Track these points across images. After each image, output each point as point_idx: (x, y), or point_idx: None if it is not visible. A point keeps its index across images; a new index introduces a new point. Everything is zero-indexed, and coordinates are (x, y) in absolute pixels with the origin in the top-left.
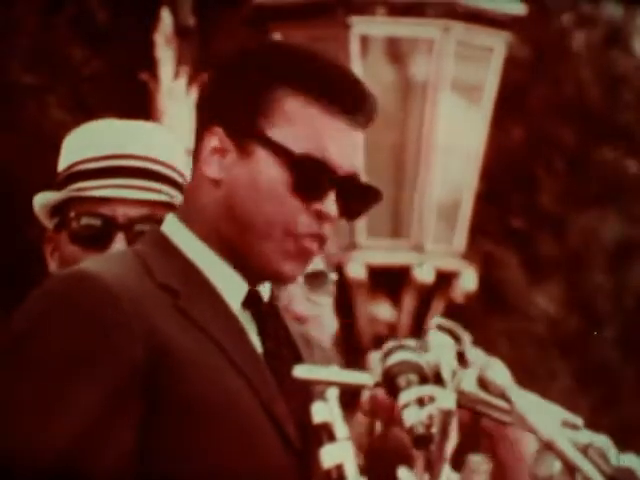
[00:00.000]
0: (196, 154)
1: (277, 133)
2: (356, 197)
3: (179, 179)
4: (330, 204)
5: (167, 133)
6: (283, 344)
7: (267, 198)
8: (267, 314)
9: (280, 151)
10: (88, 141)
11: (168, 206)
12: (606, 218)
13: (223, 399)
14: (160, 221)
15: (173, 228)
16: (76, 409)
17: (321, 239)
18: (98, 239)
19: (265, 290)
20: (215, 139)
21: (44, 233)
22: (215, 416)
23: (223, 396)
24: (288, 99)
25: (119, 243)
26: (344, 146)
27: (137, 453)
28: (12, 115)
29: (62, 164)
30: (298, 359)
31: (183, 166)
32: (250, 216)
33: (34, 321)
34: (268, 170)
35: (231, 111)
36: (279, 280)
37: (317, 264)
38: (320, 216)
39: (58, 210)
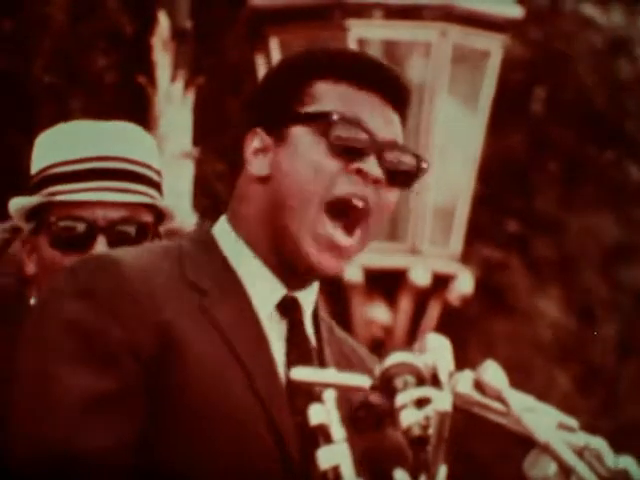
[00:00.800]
0: (242, 159)
1: (309, 108)
2: (400, 164)
3: (156, 178)
4: (372, 164)
5: (139, 131)
6: (310, 356)
7: (305, 166)
8: (300, 324)
9: (314, 118)
10: (61, 143)
11: (149, 207)
12: (605, 221)
13: (224, 403)
14: (141, 223)
15: (221, 229)
16: (77, 392)
17: (364, 201)
18: (79, 242)
19: (307, 300)
20: (257, 140)
21: (20, 235)
22: (214, 418)
23: (225, 400)
24: (317, 84)
25: (100, 246)
26: (378, 116)
27: (137, 442)
28: (29, 114)
29: (35, 166)
30: None
31: (158, 163)
32: (289, 191)
33: (53, 297)
34: (304, 141)
35: (267, 110)
36: (316, 272)
37: None
38: (361, 174)
39: (34, 213)
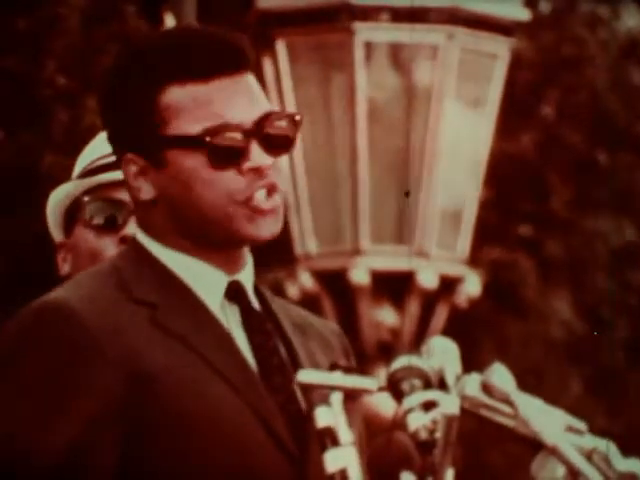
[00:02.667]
0: (126, 184)
1: (174, 127)
2: (279, 130)
3: None
4: (258, 155)
5: None
6: (271, 335)
7: (201, 187)
8: (251, 306)
9: (184, 141)
10: (97, 143)
11: None
12: (616, 223)
13: (209, 410)
14: None
15: (145, 238)
16: (49, 444)
17: (269, 187)
18: (112, 223)
19: (248, 280)
20: (132, 165)
21: (56, 246)
22: (203, 428)
23: (208, 407)
24: (166, 93)
25: (132, 226)
26: (237, 99)
27: (120, 474)
28: (43, 115)
29: (77, 170)
30: (289, 349)
31: None
32: (196, 209)
33: (6, 358)
34: (185, 164)
35: (131, 136)
36: (258, 241)
37: None
38: (255, 171)
39: (70, 217)
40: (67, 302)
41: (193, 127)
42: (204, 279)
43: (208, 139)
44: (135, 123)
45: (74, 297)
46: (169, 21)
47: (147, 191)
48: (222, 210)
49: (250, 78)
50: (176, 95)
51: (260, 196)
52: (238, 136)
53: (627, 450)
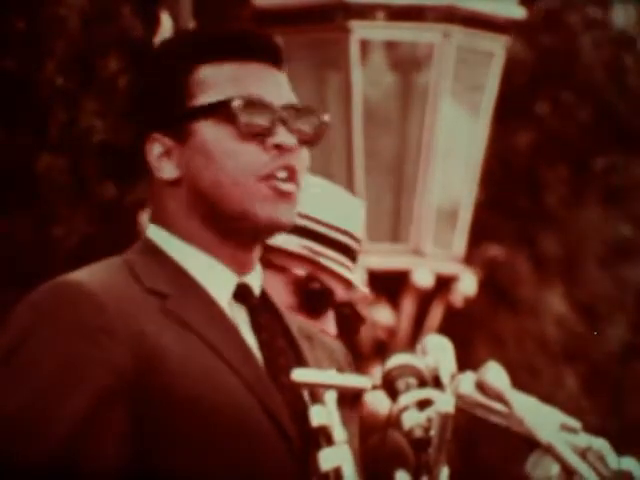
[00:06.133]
0: (148, 165)
1: (202, 99)
2: (305, 124)
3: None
4: (283, 135)
5: (362, 207)
6: (278, 335)
7: (223, 158)
8: (259, 306)
9: (212, 109)
10: (323, 201)
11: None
12: (610, 219)
13: (216, 398)
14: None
15: (157, 235)
16: (62, 416)
17: (290, 169)
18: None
19: (256, 283)
20: (157, 145)
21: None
22: (209, 415)
23: (215, 395)
24: (199, 71)
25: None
26: (268, 84)
27: (125, 455)
28: (41, 116)
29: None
30: (296, 349)
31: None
32: (217, 184)
33: (21, 334)
34: (210, 134)
35: (158, 112)
36: (274, 228)
37: None
38: (279, 147)
39: None
40: (83, 282)
41: (222, 95)
42: (213, 277)
43: (237, 104)
44: (165, 99)
45: (89, 280)
46: (165, 20)
47: (169, 171)
48: (242, 186)
49: (284, 76)
50: (210, 72)
51: (281, 174)
52: (267, 113)
53: (622, 448)
